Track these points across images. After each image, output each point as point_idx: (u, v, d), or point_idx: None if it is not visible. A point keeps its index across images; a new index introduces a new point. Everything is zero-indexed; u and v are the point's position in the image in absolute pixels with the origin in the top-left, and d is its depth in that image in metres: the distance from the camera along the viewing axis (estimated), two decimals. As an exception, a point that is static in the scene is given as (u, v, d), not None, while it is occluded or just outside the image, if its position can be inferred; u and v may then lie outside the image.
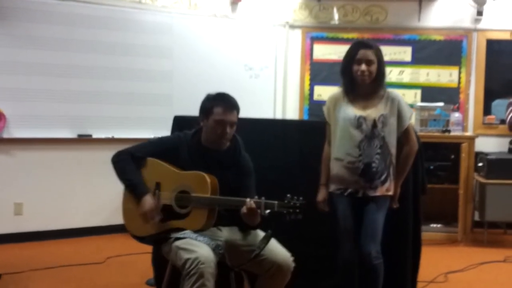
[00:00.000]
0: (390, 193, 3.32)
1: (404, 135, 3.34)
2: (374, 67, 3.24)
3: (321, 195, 3.40)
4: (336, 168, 3.33)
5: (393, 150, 3.31)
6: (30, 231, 5.40)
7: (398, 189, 3.38)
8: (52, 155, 5.51)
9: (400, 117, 3.31)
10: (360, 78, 3.25)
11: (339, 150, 3.31)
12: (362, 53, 3.24)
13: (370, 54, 3.23)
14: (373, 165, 3.24)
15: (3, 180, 5.32)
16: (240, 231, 3.20)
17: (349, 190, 3.30)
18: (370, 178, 3.26)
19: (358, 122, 3.26)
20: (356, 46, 3.29)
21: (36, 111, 5.35)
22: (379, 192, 3.28)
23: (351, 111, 3.29)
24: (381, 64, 3.28)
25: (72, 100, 5.49)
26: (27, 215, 5.41)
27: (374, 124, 3.25)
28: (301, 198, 2.91)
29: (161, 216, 3.12)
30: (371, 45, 3.29)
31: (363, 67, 3.22)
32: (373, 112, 3.27)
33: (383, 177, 3.28)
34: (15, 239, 5.29)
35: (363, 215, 3.29)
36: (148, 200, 3.11)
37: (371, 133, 3.25)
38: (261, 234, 3.14)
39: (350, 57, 3.28)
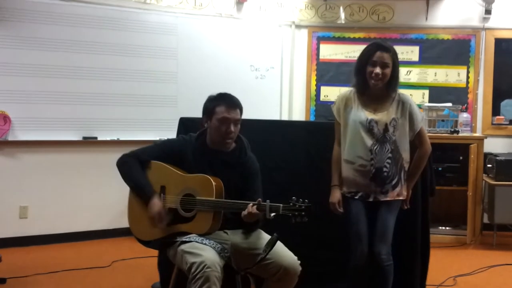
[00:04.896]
0: (401, 197, 3.31)
1: (417, 138, 3.33)
2: (388, 71, 3.21)
3: (335, 196, 3.35)
4: (346, 171, 3.31)
5: (404, 154, 3.29)
6: (35, 235, 5.37)
7: (410, 191, 3.38)
8: (57, 157, 5.49)
9: (411, 120, 3.29)
10: (373, 80, 3.21)
11: (350, 152, 3.29)
12: (378, 55, 3.20)
13: (386, 57, 3.20)
14: (384, 169, 3.23)
15: (8, 183, 5.29)
16: (244, 233, 3.17)
17: (360, 194, 3.28)
18: (381, 183, 3.24)
19: (370, 126, 3.23)
20: (374, 48, 3.24)
21: (41, 113, 5.33)
22: (390, 197, 3.27)
23: (363, 113, 3.26)
24: (396, 68, 3.26)
25: (77, 102, 5.47)
26: (32, 218, 5.39)
27: (386, 128, 3.22)
28: (306, 201, 2.89)
29: (169, 219, 3.09)
30: (389, 48, 3.24)
31: (378, 69, 3.19)
32: (384, 116, 3.25)
33: (394, 182, 3.26)
34: (20, 242, 5.27)
35: (375, 217, 3.28)
36: (156, 203, 3.08)
37: (383, 137, 3.23)
38: (267, 237, 3.11)
39: (366, 58, 3.25)
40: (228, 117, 3.10)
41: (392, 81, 3.26)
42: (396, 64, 3.25)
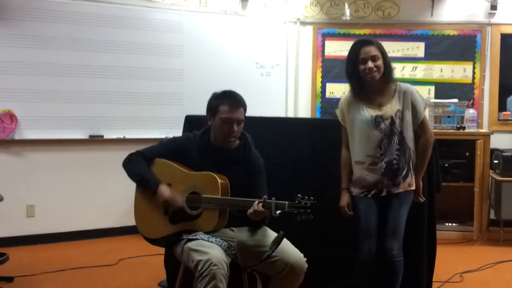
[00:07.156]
0: (413, 187, 3.31)
1: (420, 127, 3.33)
2: (380, 62, 3.21)
3: (344, 199, 3.35)
4: (358, 172, 3.30)
5: (410, 144, 3.29)
6: (42, 233, 5.39)
7: (420, 183, 3.37)
8: (63, 156, 5.50)
9: (414, 109, 3.28)
10: (369, 76, 3.20)
11: (359, 153, 3.28)
12: (364, 51, 3.21)
13: (373, 50, 3.21)
14: (394, 162, 3.22)
15: (15, 182, 5.30)
16: (250, 231, 3.18)
17: (373, 192, 3.27)
18: (393, 176, 3.23)
19: (376, 122, 3.22)
20: (357, 46, 3.25)
21: (47, 112, 5.34)
22: (402, 188, 3.27)
23: (367, 112, 3.26)
24: (386, 58, 3.26)
25: (83, 101, 5.48)
26: (39, 217, 5.40)
27: (392, 122, 3.22)
28: (311, 198, 2.89)
29: (184, 198, 3.09)
30: (371, 41, 3.27)
31: (370, 64, 3.18)
32: (389, 109, 3.24)
33: (404, 173, 3.26)
34: (27, 241, 5.28)
35: (387, 212, 3.27)
36: (165, 188, 3.10)
37: (390, 130, 3.22)
38: (273, 234, 3.11)
39: (354, 58, 3.24)
40: (231, 117, 3.10)
41: (387, 70, 3.25)
42: (384, 53, 3.25)
